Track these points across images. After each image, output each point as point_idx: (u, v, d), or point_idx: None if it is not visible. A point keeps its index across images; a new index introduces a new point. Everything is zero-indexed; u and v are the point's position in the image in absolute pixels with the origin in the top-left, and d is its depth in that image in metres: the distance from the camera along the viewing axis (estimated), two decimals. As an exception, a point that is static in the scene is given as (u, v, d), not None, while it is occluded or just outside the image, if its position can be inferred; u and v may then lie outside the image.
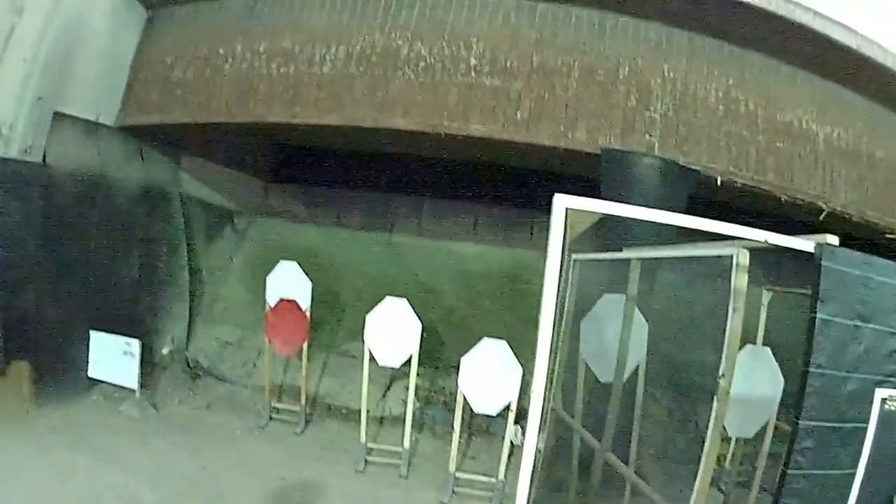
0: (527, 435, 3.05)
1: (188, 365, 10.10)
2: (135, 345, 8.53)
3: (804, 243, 3.45)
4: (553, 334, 3.09)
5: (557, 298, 3.11)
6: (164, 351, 10.03)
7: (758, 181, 7.64)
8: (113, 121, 9.51)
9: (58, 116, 8.50)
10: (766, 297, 6.90)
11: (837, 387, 3.07)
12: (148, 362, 9.16)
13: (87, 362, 8.66)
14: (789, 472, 3.10)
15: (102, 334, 8.65)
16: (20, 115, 7.98)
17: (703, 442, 3.83)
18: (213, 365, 10.11)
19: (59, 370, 8.37)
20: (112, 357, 8.59)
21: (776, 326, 6.72)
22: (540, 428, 3.03)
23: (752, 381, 5.30)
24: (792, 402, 6.41)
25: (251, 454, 8.22)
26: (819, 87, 8.10)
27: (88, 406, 8.52)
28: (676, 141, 7.60)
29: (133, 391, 8.63)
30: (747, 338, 6.02)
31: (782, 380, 6.07)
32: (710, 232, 4.00)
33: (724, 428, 4.07)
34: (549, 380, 3.03)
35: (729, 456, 7.54)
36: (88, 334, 8.65)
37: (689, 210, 6.42)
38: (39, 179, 8.15)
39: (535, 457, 3.03)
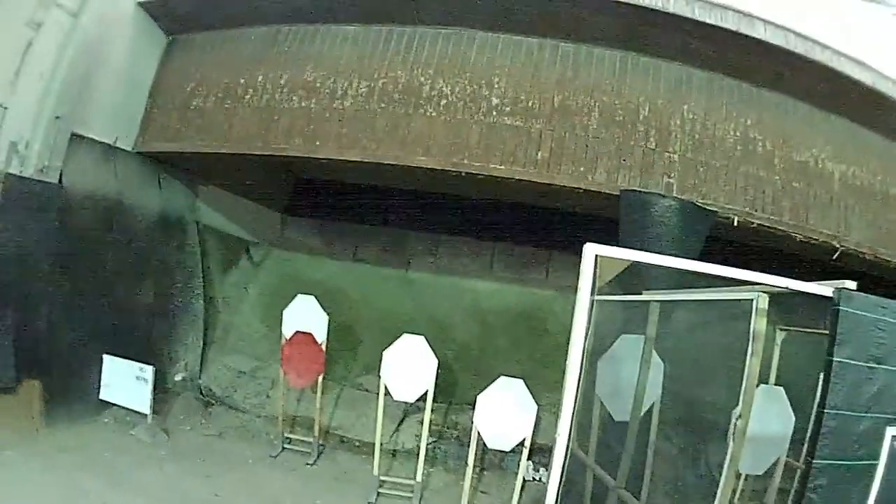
0: (552, 474, 3.05)
1: (201, 393, 10.09)
2: (148, 371, 8.53)
3: (823, 289, 3.48)
4: (580, 378, 3.09)
5: (585, 343, 3.12)
6: (177, 378, 10.03)
7: (773, 222, 7.65)
8: (131, 146, 9.57)
9: (75, 138, 8.52)
10: (779, 336, 6.90)
11: (851, 426, 3.09)
12: (160, 388, 9.16)
13: (99, 385, 8.65)
14: None
15: (115, 358, 8.66)
16: (37, 134, 7.96)
17: (713, 478, 3.87)
18: (226, 394, 10.10)
19: (71, 391, 8.35)
20: (125, 381, 8.60)
21: (788, 365, 6.74)
22: (563, 468, 3.03)
23: (764, 419, 5.30)
24: (801, 439, 6.53)
25: (263, 483, 8.18)
26: (835, 126, 8.17)
27: (99, 428, 8.49)
28: (695, 182, 7.63)
29: (145, 416, 8.62)
30: (760, 377, 5.97)
31: (793, 418, 6.06)
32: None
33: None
34: (573, 421, 3.03)
35: (738, 492, 7.49)
36: (101, 357, 8.64)
37: (705, 248, 6.46)
38: (55, 200, 8.15)
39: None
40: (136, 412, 8.71)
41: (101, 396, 8.68)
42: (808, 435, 6.62)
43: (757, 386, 4.26)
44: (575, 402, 3.11)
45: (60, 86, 8.23)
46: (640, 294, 6.32)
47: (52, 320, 8.05)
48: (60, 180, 8.30)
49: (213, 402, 10.03)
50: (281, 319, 9.06)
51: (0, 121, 7.54)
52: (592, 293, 3.32)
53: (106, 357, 8.67)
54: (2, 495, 6.21)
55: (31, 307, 7.78)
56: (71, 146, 8.46)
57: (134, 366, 8.61)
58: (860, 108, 7.95)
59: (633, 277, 5.91)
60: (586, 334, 3.18)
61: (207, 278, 10.54)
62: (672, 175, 7.61)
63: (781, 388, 6.15)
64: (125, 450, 8.10)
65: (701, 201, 7.50)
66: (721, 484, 4.20)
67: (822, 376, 3.58)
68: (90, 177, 8.79)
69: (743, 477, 7.24)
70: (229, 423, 9.67)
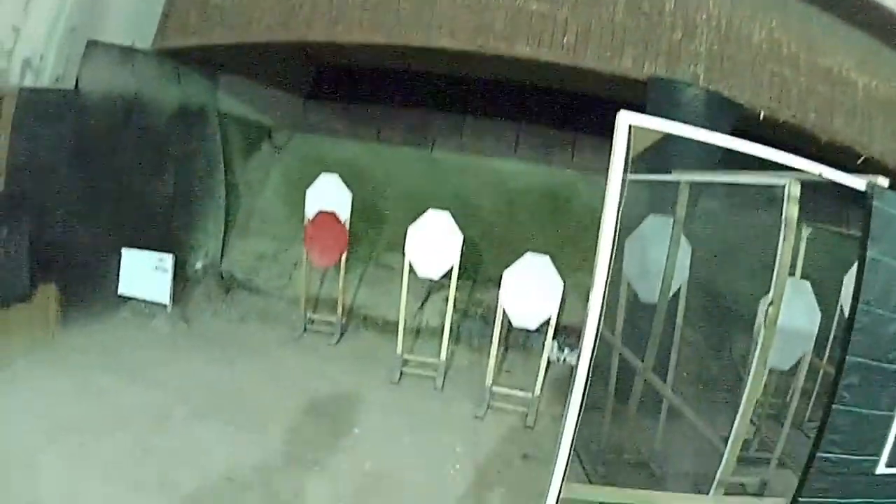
0: (581, 357, 2.84)
1: (221, 278, 9.93)
2: (168, 259, 8.42)
3: (856, 181, 3.23)
4: (612, 254, 2.87)
5: (618, 217, 2.87)
6: (198, 266, 9.84)
7: (799, 119, 7.34)
8: (149, 45, 9.06)
9: (91, 44, 8.04)
10: (805, 232, 6.65)
11: (883, 327, 2.88)
12: (181, 277, 9.01)
13: (118, 281, 8.49)
14: (834, 406, 2.91)
15: (134, 251, 8.48)
16: (51, 47, 7.51)
17: (739, 369, 3.77)
18: (248, 278, 9.93)
19: (88, 290, 8.16)
20: (144, 273, 8.45)
21: (813, 263, 6.54)
22: (593, 350, 2.83)
23: (791, 313, 5.09)
24: (825, 339, 6.37)
25: (285, 366, 8.11)
26: (859, 40, 7.69)
27: (117, 324, 8.32)
28: (721, 74, 7.27)
29: (164, 307, 8.52)
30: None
31: (819, 314, 5.93)
32: (757, 161, 3.78)
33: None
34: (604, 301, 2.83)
35: (760, 387, 7.34)
36: (120, 253, 8.47)
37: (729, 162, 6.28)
38: (71, 106, 7.77)
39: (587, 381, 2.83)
40: (155, 304, 8.57)
41: (120, 291, 8.51)
42: (831, 335, 6.64)
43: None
44: (608, 277, 2.87)
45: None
46: (669, 174, 6.12)
47: (68, 223, 7.78)
48: (77, 86, 7.88)
49: (235, 287, 9.87)
50: (303, 201, 8.85)
51: (13, 43, 7.10)
52: (626, 165, 3.03)
53: (125, 250, 8.49)
54: (13, 407, 6.05)
55: (47, 213, 7.50)
56: (87, 53, 7.98)
57: (153, 256, 8.46)
58: (882, 28, 7.52)
59: (659, 158, 5.69)
60: (619, 207, 2.91)
61: (229, 165, 10.24)
62: (698, 66, 7.24)
63: (808, 282, 5.99)
64: (143, 343, 7.99)
65: (728, 93, 7.16)
66: (752, 370, 4.14)
67: (855, 271, 3.33)
68: (107, 80, 8.31)
69: (767, 372, 7.13)
70: (251, 308, 9.53)
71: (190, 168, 9.79)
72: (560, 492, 2.99)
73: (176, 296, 8.67)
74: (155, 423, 6.29)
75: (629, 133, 3.24)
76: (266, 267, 9.97)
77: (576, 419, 2.88)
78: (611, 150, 3.15)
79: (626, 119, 3.25)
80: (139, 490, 5.30)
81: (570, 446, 2.93)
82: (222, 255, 10.03)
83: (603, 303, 2.89)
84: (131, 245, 8.52)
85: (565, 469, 2.96)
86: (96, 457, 5.58)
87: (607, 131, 3.40)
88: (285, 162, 10.70)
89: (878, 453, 3.02)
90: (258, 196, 10.53)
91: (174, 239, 9.37)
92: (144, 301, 8.55)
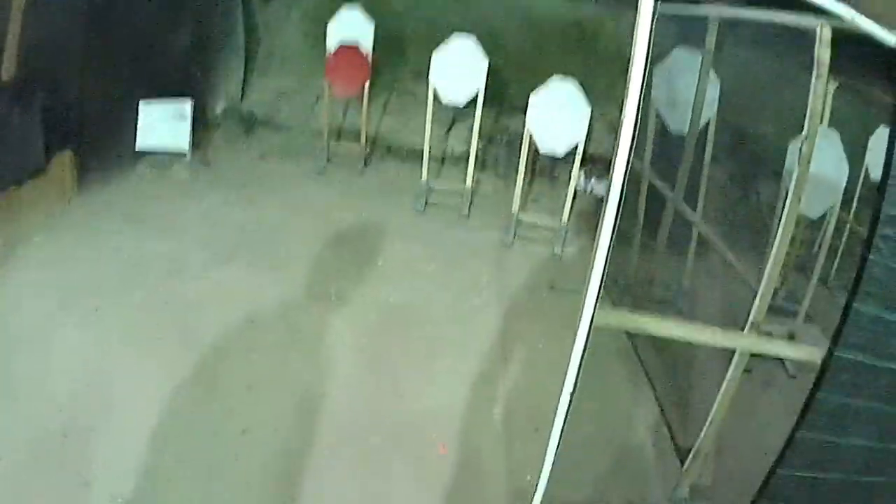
0: (612, 188, 2.61)
1: (242, 118, 9.52)
2: (187, 106, 8.08)
3: (887, 34, 2.88)
4: (644, 75, 2.61)
5: (651, 37, 2.55)
6: (218, 109, 9.44)
7: None
8: None
9: None
10: (832, 85, 6.09)
11: None
12: (201, 123, 8.67)
13: (135, 138, 8.11)
14: (870, 257, 2.68)
15: (152, 103, 8.08)
16: None
17: (764, 214, 3.53)
18: (269, 115, 9.52)
19: (105, 152, 7.77)
20: (162, 124, 8.09)
21: (837, 121, 6.00)
22: (624, 182, 2.59)
23: (819, 161, 4.74)
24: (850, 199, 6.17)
25: (308, 199, 7.87)
26: None
27: (135, 180, 7.96)
28: None
29: (184, 155, 8.22)
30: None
31: (847, 166, 5.68)
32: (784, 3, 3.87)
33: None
34: (636, 128, 2.58)
35: (793, 224, 7.04)
36: (136, 109, 8.06)
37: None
38: None
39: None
40: (174, 154, 8.24)
41: (138, 146, 8.10)
42: (856, 195, 6.31)
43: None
44: (640, 102, 2.59)
45: None
46: (697, 4, 5.74)
47: (84, 90, 7.23)
48: None
49: (256, 125, 9.49)
50: (324, 37, 8.44)
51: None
52: None
53: (142, 103, 8.06)
54: (27, 280, 5.80)
55: (62, 85, 6.98)
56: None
57: (171, 105, 8.10)
58: None
59: None
60: (652, 27, 2.58)
61: (247, 8, 9.69)
62: None
63: (836, 132, 5.67)
64: (161, 195, 7.68)
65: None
66: (786, 209, 3.94)
67: (881, 132, 3.00)
68: None
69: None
70: (272, 145, 9.19)
71: (207, 15, 9.20)
72: (592, 319, 2.80)
73: (196, 142, 8.37)
74: (172, 274, 6.11)
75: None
76: (287, 103, 9.56)
77: (608, 241, 2.66)
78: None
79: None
80: (158, 344, 5.17)
81: (602, 268, 2.71)
82: (242, 96, 9.60)
83: (635, 128, 2.59)
84: (151, 98, 8.13)
85: (598, 294, 2.78)
86: (113, 318, 5.42)
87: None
88: (305, 2, 10.08)
89: (915, 316, 2.80)
90: (278, 35, 10.02)
91: (193, 87, 8.90)
92: (164, 153, 8.21)
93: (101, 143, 7.68)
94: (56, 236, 6.49)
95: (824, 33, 3.57)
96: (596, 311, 2.79)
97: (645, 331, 3.46)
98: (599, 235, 2.65)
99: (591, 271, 2.71)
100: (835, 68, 3.69)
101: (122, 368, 4.90)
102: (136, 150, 8.10)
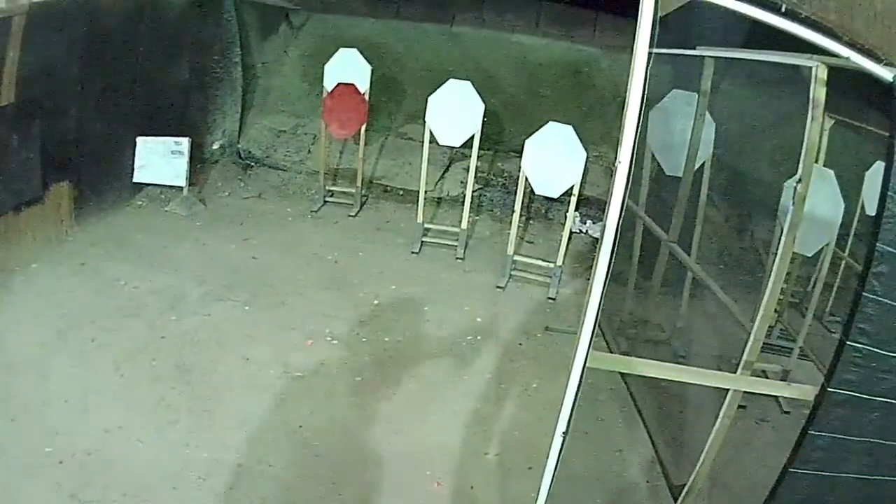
0: (607, 224, 2.62)
1: (239, 157, 9.59)
2: (184, 143, 8.12)
3: (882, 71, 3.05)
4: (639, 121, 2.60)
5: (646, 78, 2.58)
6: (215, 146, 9.50)
7: (820, 17, 6.77)
8: None
9: None
10: (828, 123, 6.21)
11: None
12: (197, 160, 8.73)
13: (133, 171, 8.16)
14: (864, 294, 2.74)
15: (149, 138, 8.13)
16: None
17: (760, 252, 3.56)
18: (266, 154, 9.58)
19: (102, 183, 7.85)
20: (160, 159, 8.14)
21: (833, 160, 6.10)
22: (619, 218, 2.62)
23: (815, 199, 4.83)
24: (846, 233, 6.20)
25: (303, 239, 7.90)
26: None
27: (132, 213, 8.04)
28: None
29: (181, 189, 8.23)
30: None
31: (843, 204, 5.64)
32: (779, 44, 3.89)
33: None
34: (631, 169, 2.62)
35: (787, 264, 7.10)
36: (134, 143, 8.12)
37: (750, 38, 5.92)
38: (83, 11, 7.12)
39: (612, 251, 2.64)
40: (171, 187, 8.28)
41: (136, 179, 8.17)
42: (852, 230, 6.38)
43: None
44: (635, 143, 2.63)
45: None
46: (694, 49, 5.82)
47: (82, 121, 7.34)
48: None
49: (253, 164, 9.55)
50: (322, 78, 8.52)
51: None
52: (655, 22, 2.69)
53: (139, 139, 8.13)
54: (25, 308, 5.86)
55: (60, 115, 7.06)
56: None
57: (168, 141, 8.15)
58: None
59: (684, 34, 5.69)
60: (647, 70, 2.62)
61: (245, 48, 9.79)
62: None
63: (831, 171, 5.64)
64: (158, 229, 7.72)
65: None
66: (781, 247, 3.94)
67: (877, 168, 3.04)
68: None
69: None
70: (269, 184, 9.23)
71: (205, 53, 9.35)
72: (586, 360, 2.81)
73: (193, 179, 8.40)
74: (169, 309, 6.13)
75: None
76: (284, 143, 9.63)
77: (603, 282, 2.67)
78: (635, 24, 2.78)
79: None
80: (154, 377, 5.19)
81: (596, 311, 2.71)
82: (240, 134, 9.66)
83: (630, 169, 2.63)
84: (146, 134, 8.18)
85: (591, 336, 2.75)
86: (109, 349, 5.44)
87: (630, 10, 3.05)
88: (303, 41, 10.21)
89: (907, 353, 2.84)
90: (276, 75, 10.13)
91: (191, 123, 9.00)
92: (161, 186, 8.27)
93: (98, 175, 7.74)
94: (54, 265, 6.53)
95: (819, 73, 3.60)
96: (589, 353, 2.80)
97: (640, 373, 3.48)
98: (594, 277, 2.67)
99: (586, 313, 2.72)
100: (831, 105, 3.76)
101: (118, 399, 4.90)
102: (133, 183, 8.14)
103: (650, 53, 2.67)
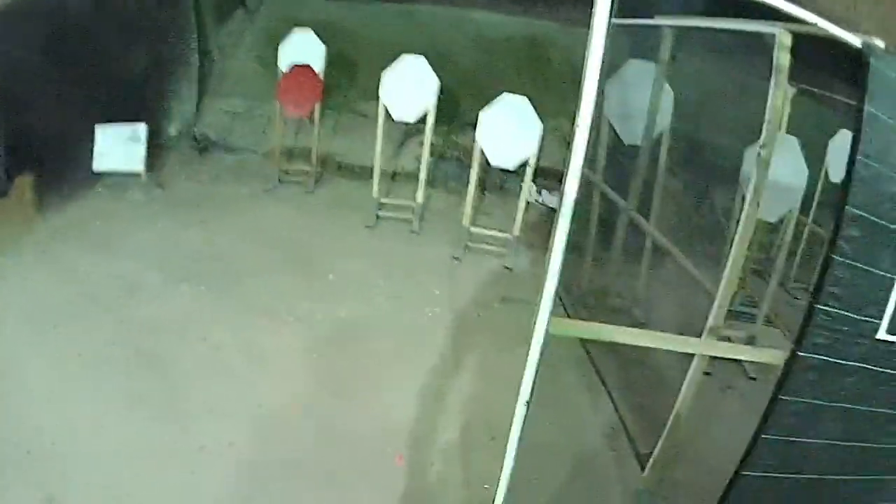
0: (565, 197, 2.66)
1: (195, 140, 9.52)
2: (141, 129, 8.09)
3: (852, 37, 2.90)
4: (598, 89, 2.62)
5: (605, 46, 2.60)
6: (172, 131, 9.43)
7: None
8: None
9: None
10: (790, 91, 6.24)
11: (883, 185, 2.65)
12: (155, 146, 8.61)
13: (92, 160, 8.09)
14: (833, 256, 2.74)
15: (107, 126, 8.06)
16: None
17: (721, 220, 3.63)
18: (222, 137, 9.53)
19: (64, 174, 7.77)
20: (117, 146, 8.09)
21: (796, 128, 6.12)
22: (579, 178, 2.65)
23: (778, 166, 4.90)
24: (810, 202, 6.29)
25: (260, 219, 7.91)
26: None
27: (92, 201, 7.90)
28: None
29: (139, 176, 8.18)
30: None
31: (806, 171, 5.72)
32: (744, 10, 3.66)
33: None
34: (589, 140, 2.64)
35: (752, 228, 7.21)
36: (93, 131, 8.05)
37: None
38: (41, 3, 7.17)
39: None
40: (130, 175, 8.19)
41: (95, 167, 8.08)
42: (815, 199, 6.58)
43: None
44: (593, 111, 2.66)
45: None
46: (652, 18, 5.84)
47: (42, 113, 7.25)
48: None
49: (209, 148, 9.49)
50: (277, 60, 8.57)
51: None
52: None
53: (97, 127, 8.05)
54: None
55: (20, 109, 6.98)
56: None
57: (126, 128, 8.11)
58: None
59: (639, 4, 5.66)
60: (606, 35, 2.63)
61: (202, 32, 9.69)
62: None
63: (794, 138, 5.72)
64: (118, 215, 7.66)
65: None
66: (743, 213, 4.03)
67: (841, 136, 3.05)
68: None
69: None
70: (226, 166, 9.19)
71: (162, 40, 9.24)
72: (548, 326, 2.82)
73: (151, 165, 8.33)
74: (129, 295, 6.10)
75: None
76: (240, 125, 9.56)
77: (563, 247, 2.70)
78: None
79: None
80: (117, 364, 5.17)
81: (558, 273, 2.73)
82: (196, 119, 9.60)
83: (588, 136, 2.66)
84: (105, 121, 8.11)
85: (552, 301, 2.77)
86: (72, 337, 5.40)
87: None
88: (258, 24, 10.13)
89: (879, 317, 2.84)
90: (231, 59, 10.04)
91: (148, 110, 8.89)
92: (119, 174, 8.18)
93: (60, 167, 7.68)
94: (18, 257, 6.47)
95: (783, 40, 3.63)
96: (551, 319, 2.84)
97: (602, 339, 3.53)
98: (553, 243, 2.69)
99: (546, 277, 2.75)
100: (793, 74, 3.81)
101: (81, 388, 4.89)
102: (93, 171, 8.07)
103: (609, 20, 2.69)
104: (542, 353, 2.89)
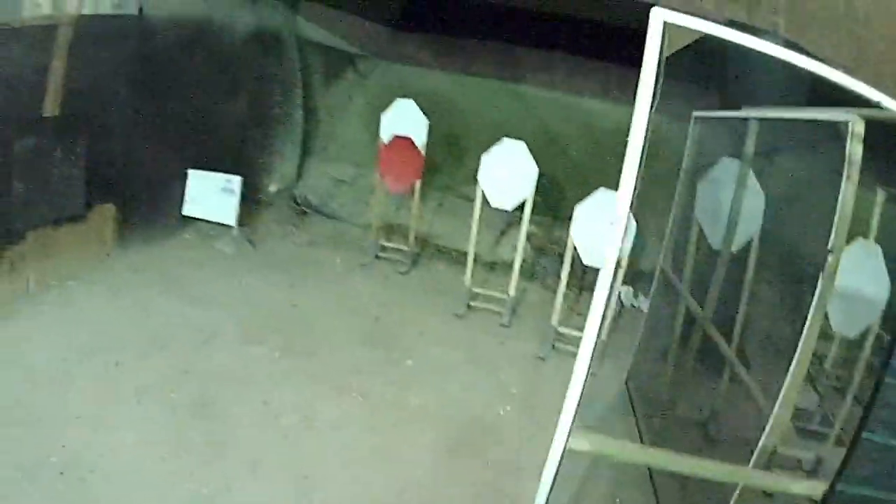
0: (595, 304, 2.48)
1: (296, 202, 9.58)
2: (235, 181, 8.15)
3: None
4: (639, 167, 2.70)
5: (650, 117, 2.52)
6: (272, 189, 9.53)
7: (876, 83, 6.56)
8: None
9: None
10: (880, 195, 5.86)
11: None
12: (252, 200, 8.71)
13: (182, 202, 8.24)
14: (887, 380, 2.42)
15: (201, 172, 8.20)
16: None
17: None
18: (323, 202, 9.59)
19: (150, 211, 7.90)
20: (210, 195, 8.21)
21: (887, 232, 5.69)
22: (611, 285, 2.45)
23: (860, 276, 4.50)
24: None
25: (349, 292, 7.79)
26: None
27: (177, 244, 8.04)
28: (799, 27, 6.57)
29: (230, 228, 8.24)
30: (858, 233, 5.31)
31: (889, 282, 5.21)
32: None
33: (826, 319, 3.88)
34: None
35: (830, 356, 6.67)
36: (185, 175, 8.21)
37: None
38: (134, 31, 7.31)
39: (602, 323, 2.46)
40: (221, 225, 8.29)
41: (185, 212, 8.24)
42: None
43: (853, 239, 4.03)
44: (633, 194, 2.73)
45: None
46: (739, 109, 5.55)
47: (130, 145, 7.42)
48: (140, 11, 7.35)
49: (308, 211, 9.54)
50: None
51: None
52: (660, 63, 2.57)
53: (191, 172, 8.22)
54: (55, 327, 5.85)
55: (106, 135, 7.13)
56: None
57: (220, 178, 8.22)
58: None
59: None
60: (651, 108, 2.47)
61: (309, 90, 9.94)
62: (777, 15, 6.58)
63: (879, 247, 5.30)
64: (202, 264, 7.71)
65: (807, 46, 6.50)
66: (807, 325, 3.58)
67: None
68: (174, 4, 7.83)
69: (836, 342, 6.43)
70: (322, 232, 9.20)
71: (265, 92, 9.42)
72: (567, 442, 2.72)
73: (245, 219, 8.40)
74: (199, 345, 6.04)
75: (663, 30, 2.74)
76: (342, 192, 9.63)
77: (590, 354, 2.49)
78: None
79: (659, 15, 2.78)
80: (170, 408, 5.09)
81: (579, 394, 2.69)
82: (298, 179, 9.71)
83: (623, 234, 2.48)
84: (199, 167, 8.24)
85: (572, 422, 2.74)
86: (131, 375, 5.37)
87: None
88: (369, 89, 10.31)
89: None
90: (339, 121, 10.22)
91: (246, 162, 9.04)
92: (210, 222, 8.28)
93: (146, 202, 7.79)
94: (90, 285, 6.54)
95: (857, 128, 3.33)
96: (571, 434, 2.60)
97: (627, 460, 3.26)
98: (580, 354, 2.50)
99: (568, 395, 2.54)
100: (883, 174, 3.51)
101: (131, 424, 4.81)
102: (182, 215, 8.18)
103: (655, 91, 2.55)
104: (558, 469, 2.75)
